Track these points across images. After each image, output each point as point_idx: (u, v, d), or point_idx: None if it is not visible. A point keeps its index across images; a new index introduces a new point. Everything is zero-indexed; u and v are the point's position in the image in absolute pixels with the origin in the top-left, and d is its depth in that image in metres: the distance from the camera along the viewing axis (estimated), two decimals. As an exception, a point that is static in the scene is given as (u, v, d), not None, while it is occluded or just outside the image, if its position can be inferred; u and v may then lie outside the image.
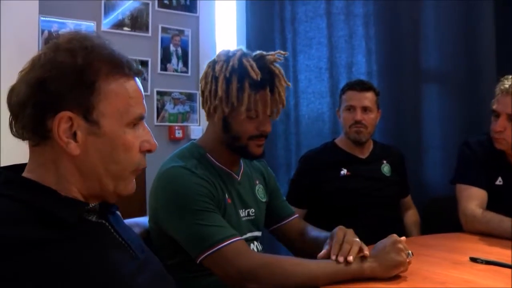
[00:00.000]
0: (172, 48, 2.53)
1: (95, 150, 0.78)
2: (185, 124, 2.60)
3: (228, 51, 1.34)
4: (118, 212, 0.89)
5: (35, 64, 0.76)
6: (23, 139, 0.78)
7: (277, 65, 1.36)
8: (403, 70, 2.48)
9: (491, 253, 1.38)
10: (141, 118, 0.84)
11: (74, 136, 0.76)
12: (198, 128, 2.62)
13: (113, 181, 0.81)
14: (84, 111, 0.76)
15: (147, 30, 2.46)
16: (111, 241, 0.82)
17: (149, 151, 0.86)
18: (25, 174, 0.78)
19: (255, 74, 1.26)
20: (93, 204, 0.82)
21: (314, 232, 1.50)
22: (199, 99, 2.62)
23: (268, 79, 1.30)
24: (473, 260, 1.31)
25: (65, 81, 0.74)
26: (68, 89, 0.74)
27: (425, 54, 2.53)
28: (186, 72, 2.59)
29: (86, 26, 2.32)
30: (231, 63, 1.29)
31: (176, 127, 2.54)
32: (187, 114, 2.61)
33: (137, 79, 0.84)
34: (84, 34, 0.80)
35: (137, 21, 2.43)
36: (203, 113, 2.61)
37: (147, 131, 0.86)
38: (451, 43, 2.47)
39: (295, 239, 1.52)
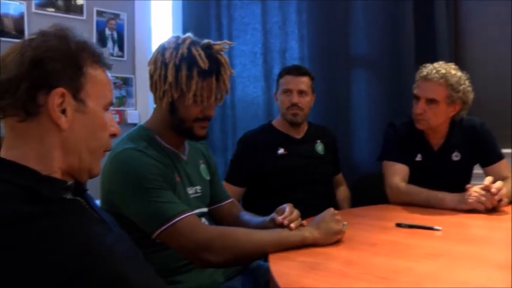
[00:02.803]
0: (107, 32, 2.50)
1: (80, 126, 0.85)
2: (121, 108, 2.58)
3: (178, 38, 1.39)
4: (88, 192, 0.94)
5: (24, 46, 0.81)
6: (4, 117, 0.81)
7: (223, 53, 1.43)
8: (334, 56, 2.62)
9: (413, 219, 1.57)
10: (112, 104, 0.93)
11: (63, 112, 0.82)
12: (134, 112, 2.62)
13: (90, 157, 0.88)
14: (74, 90, 0.83)
15: (81, 13, 2.41)
16: (89, 216, 0.87)
17: (114, 135, 0.95)
18: (3, 151, 0.81)
19: (203, 63, 1.34)
20: (70, 182, 0.86)
21: (247, 216, 1.60)
22: (135, 83, 2.62)
23: (214, 68, 1.38)
24: (398, 225, 1.49)
25: (60, 61, 0.81)
26: (62, 69, 0.81)
27: (354, 41, 2.69)
28: (122, 56, 2.57)
29: (15, 5, 2.24)
30: (180, 51, 1.35)
31: (113, 112, 2.52)
32: (124, 99, 2.60)
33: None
34: (69, 27, 0.87)
35: (70, 3, 2.37)
36: (139, 98, 2.66)
37: (112, 117, 0.94)
38: (378, 32, 2.65)
39: (228, 222, 1.60)
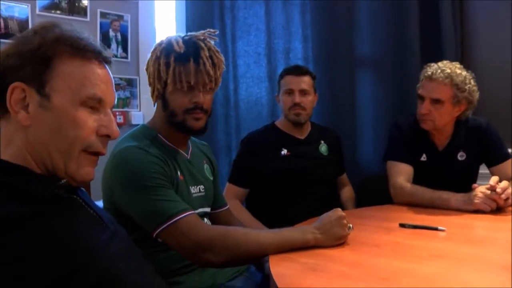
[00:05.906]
0: (111, 33, 2.51)
1: (44, 123, 0.81)
2: (125, 109, 2.59)
3: (167, 37, 1.42)
4: (83, 189, 0.93)
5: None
6: None
7: (209, 41, 1.42)
8: (338, 56, 2.60)
9: (417, 219, 1.55)
10: (95, 99, 0.86)
11: (26, 108, 0.81)
12: (138, 113, 2.62)
13: (62, 157, 0.83)
14: (37, 84, 0.81)
15: (85, 14, 2.42)
16: (84, 214, 0.86)
17: (108, 136, 0.89)
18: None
19: (179, 48, 1.35)
20: (64, 180, 0.84)
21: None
22: (139, 84, 2.62)
23: (192, 51, 1.37)
24: (402, 225, 1.47)
25: (23, 55, 0.80)
26: (24, 63, 0.80)
27: (359, 41, 2.68)
28: (126, 57, 2.58)
29: (20, 8, 2.25)
30: (163, 45, 1.38)
31: (117, 113, 2.53)
32: (128, 100, 2.60)
33: (106, 66, 0.90)
34: (57, 22, 0.86)
35: (74, 5, 2.38)
36: (143, 99, 2.67)
37: (109, 118, 0.89)
38: (382, 32, 2.63)
39: None
